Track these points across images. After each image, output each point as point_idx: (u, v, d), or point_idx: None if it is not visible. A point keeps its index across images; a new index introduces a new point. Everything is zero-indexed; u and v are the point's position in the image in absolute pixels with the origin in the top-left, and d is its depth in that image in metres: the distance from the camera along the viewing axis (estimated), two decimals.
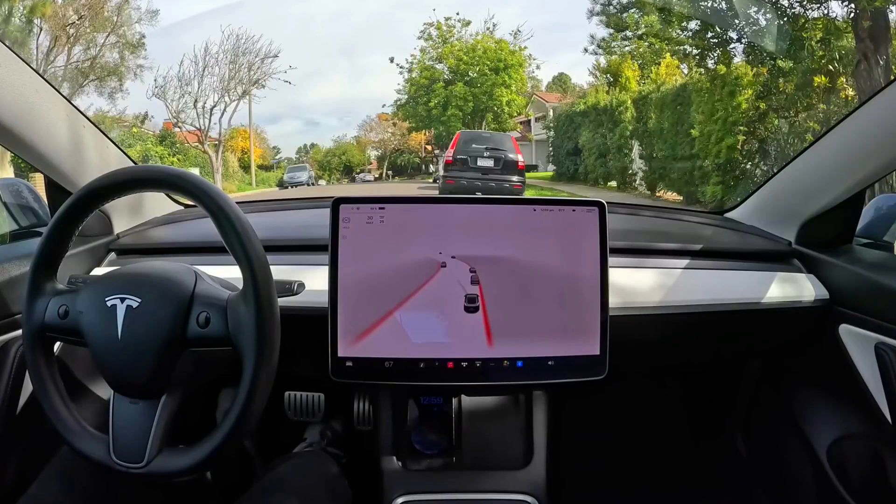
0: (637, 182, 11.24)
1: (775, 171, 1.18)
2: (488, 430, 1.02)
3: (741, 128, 8.18)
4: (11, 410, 0.91)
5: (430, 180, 18.32)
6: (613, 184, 12.04)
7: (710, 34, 8.89)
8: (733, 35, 8.60)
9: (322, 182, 22.27)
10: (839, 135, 1.00)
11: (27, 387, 0.93)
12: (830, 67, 7.22)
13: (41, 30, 12.54)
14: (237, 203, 0.74)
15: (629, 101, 11.18)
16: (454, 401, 1.02)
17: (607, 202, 0.91)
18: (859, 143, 0.96)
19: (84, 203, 0.75)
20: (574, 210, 0.89)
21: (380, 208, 0.87)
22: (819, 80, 7.28)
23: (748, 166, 8.14)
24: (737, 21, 8.42)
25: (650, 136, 10.39)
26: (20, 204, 1.18)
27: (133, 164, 1.18)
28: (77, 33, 12.89)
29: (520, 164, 9.83)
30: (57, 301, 0.74)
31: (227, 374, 0.76)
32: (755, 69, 8.31)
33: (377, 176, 23.71)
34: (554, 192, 12.09)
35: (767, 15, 7.96)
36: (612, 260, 0.89)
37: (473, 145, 9.78)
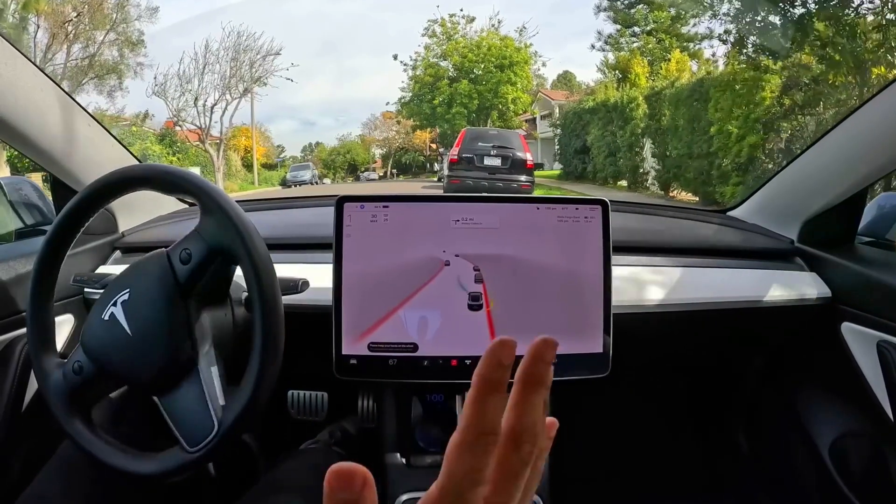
0: (649, 181, 11.16)
1: (778, 169, 1.20)
2: None
3: (764, 125, 8.03)
4: (17, 408, 0.94)
5: (435, 179, 18.34)
6: (624, 183, 11.95)
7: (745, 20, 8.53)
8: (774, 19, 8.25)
9: (327, 181, 22.35)
10: (841, 133, 1.02)
11: (32, 385, 0.95)
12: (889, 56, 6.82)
13: (38, 27, 12.62)
14: (240, 202, 0.77)
15: (640, 98, 11.10)
16: (458, 398, 1.03)
17: (610, 200, 0.92)
18: (862, 142, 0.98)
19: (86, 204, 0.77)
20: (577, 208, 0.90)
21: (384, 206, 0.88)
22: (878, 71, 6.88)
23: (770, 166, 7.95)
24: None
25: (663, 133, 10.29)
26: (25, 202, 1.20)
27: (137, 163, 1.21)
28: (77, 31, 12.97)
29: (528, 162, 9.70)
30: (63, 368, 0.77)
31: (233, 367, 0.77)
32: (782, 62, 8.13)
33: (382, 174, 23.77)
34: (562, 191, 12.05)
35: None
36: (615, 258, 0.91)
37: (479, 143, 9.67)
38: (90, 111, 1.06)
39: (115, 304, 0.74)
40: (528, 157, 9.81)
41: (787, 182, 1.19)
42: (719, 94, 8.81)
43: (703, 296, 1.04)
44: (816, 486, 1.10)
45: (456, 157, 9.72)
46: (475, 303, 0.89)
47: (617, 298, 0.91)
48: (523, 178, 9.50)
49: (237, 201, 0.77)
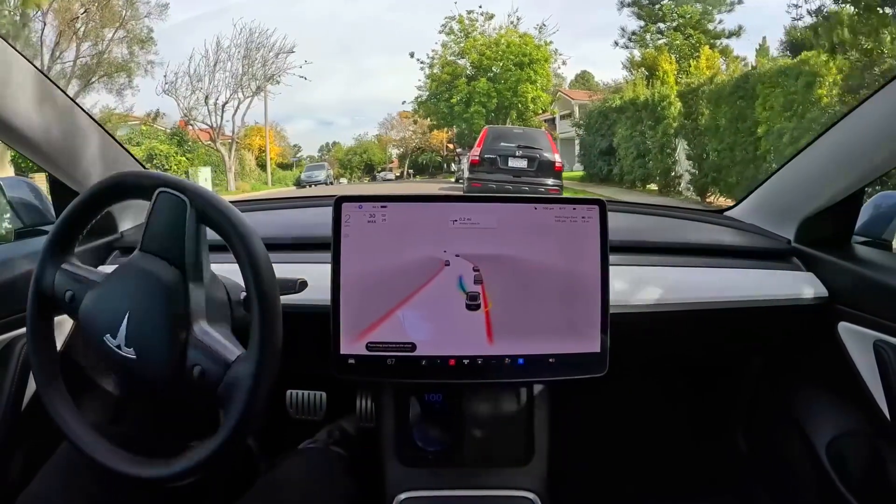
0: (682, 185, 10.87)
1: (775, 169, 1.24)
2: (490, 427, 1.07)
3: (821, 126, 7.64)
4: (17, 407, 0.98)
5: (453, 180, 18.36)
6: (654, 187, 11.70)
7: None
8: None
9: (343, 180, 22.55)
10: (838, 133, 1.06)
11: (32, 384, 0.99)
12: None
13: (44, 24, 12.87)
14: (240, 202, 0.81)
15: (673, 96, 10.85)
16: (456, 398, 1.07)
17: (608, 201, 0.95)
18: (858, 142, 1.02)
19: (85, 207, 0.82)
20: (575, 208, 0.93)
21: (381, 207, 0.92)
22: None
23: None
24: None
25: (701, 134, 9.98)
26: (25, 202, 1.23)
27: (139, 168, 1.26)
28: (87, 29, 13.22)
29: (557, 164, 9.38)
30: (65, 280, 0.82)
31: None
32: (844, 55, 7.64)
33: (398, 174, 23.96)
34: (587, 193, 11.65)
35: None
36: (612, 258, 0.94)
37: (502, 143, 9.35)
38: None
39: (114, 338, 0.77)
40: (557, 158, 9.46)
41: (784, 182, 1.23)
42: (768, 90, 8.51)
43: (700, 296, 1.08)
44: (814, 485, 1.13)
45: (477, 158, 9.39)
46: (473, 303, 0.92)
47: (614, 298, 0.95)
48: (551, 181, 9.29)
49: (237, 202, 0.81)
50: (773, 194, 1.28)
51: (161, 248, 0.78)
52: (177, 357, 0.75)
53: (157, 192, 0.77)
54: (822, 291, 1.10)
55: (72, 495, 0.89)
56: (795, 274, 1.14)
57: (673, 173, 11.12)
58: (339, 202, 0.92)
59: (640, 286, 1.08)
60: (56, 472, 0.92)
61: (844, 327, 1.06)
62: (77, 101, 1.09)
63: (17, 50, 0.93)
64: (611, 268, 0.94)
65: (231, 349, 0.76)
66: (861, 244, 1.18)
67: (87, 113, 1.11)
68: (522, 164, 9.23)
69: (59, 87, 1.03)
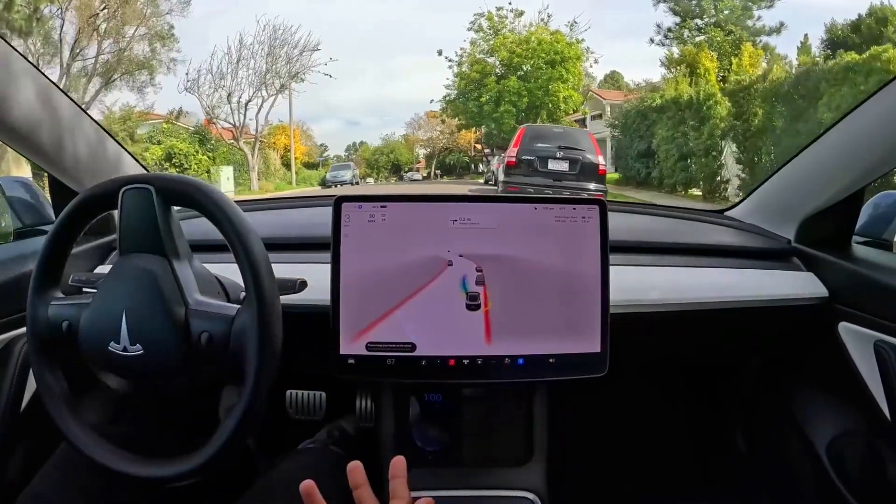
0: (730, 191, 10.59)
1: (775, 169, 1.27)
2: (489, 427, 1.11)
3: None
4: (16, 407, 1.02)
5: (482, 181, 18.36)
6: (697, 192, 11.45)
7: None
8: None
9: (370, 180, 22.80)
10: (839, 132, 1.09)
11: (31, 384, 1.03)
12: None
13: (63, 21, 13.08)
14: (241, 202, 0.85)
15: (719, 94, 10.64)
16: (455, 398, 1.10)
17: (608, 201, 0.98)
18: (858, 142, 1.05)
19: (84, 208, 0.86)
20: (575, 208, 0.96)
21: (381, 206, 0.95)
22: None
23: None
24: None
25: (753, 136, 9.76)
26: (23, 202, 1.28)
27: (142, 168, 1.31)
28: (108, 26, 13.52)
29: (601, 167, 9.10)
30: (58, 312, 0.85)
31: (228, 372, 0.84)
32: None
33: (425, 175, 24.14)
34: (625, 197, 11.19)
35: None
36: (612, 258, 0.96)
37: (540, 144, 9.13)
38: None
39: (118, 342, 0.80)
40: (601, 161, 9.17)
41: (784, 182, 1.26)
42: (834, 88, 8.24)
43: (700, 296, 1.11)
44: (814, 485, 1.16)
45: (514, 159, 9.20)
46: (473, 303, 0.95)
47: (615, 298, 0.97)
48: (593, 185, 8.99)
49: (239, 202, 0.84)
50: (774, 194, 1.31)
51: (138, 244, 0.82)
52: (182, 333, 0.79)
53: (121, 192, 0.82)
54: (823, 291, 1.13)
55: (71, 495, 0.92)
56: (795, 274, 1.17)
57: (719, 178, 10.87)
58: (338, 202, 0.95)
59: (640, 286, 1.11)
60: (56, 471, 0.94)
61: (844, 327, 1.09)
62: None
63: (17, 51, 0.97)
64: (611, 268, 0.96)
65: (229, 307, 0.81)
66: (861, 244, 1.20)
67: (86, 113, 1.15)
68: (563, 166, 8.98)
69: (59, 88, 1.07)
